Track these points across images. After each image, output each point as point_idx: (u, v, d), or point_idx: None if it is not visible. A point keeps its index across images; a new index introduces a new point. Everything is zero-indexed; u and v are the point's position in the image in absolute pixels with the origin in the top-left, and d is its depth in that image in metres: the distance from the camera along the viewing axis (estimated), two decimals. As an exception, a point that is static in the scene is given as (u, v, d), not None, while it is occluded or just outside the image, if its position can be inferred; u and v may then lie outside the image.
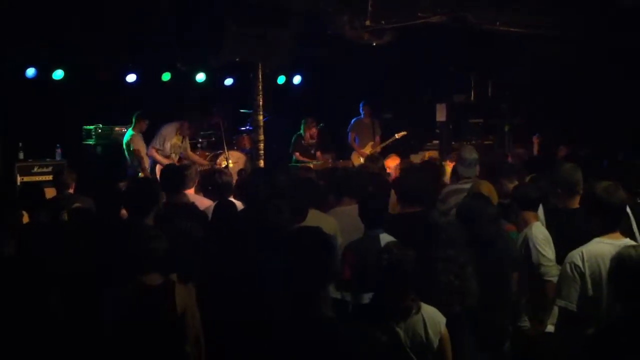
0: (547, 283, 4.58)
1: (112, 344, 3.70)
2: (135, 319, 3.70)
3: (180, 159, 9.53)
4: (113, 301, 3.75)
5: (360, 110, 11.49)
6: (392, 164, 8.37)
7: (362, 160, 10.95)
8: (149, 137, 9.66)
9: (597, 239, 3.91)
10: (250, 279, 4.30)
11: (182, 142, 9.61)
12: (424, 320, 3.62)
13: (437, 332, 3.64)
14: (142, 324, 3.70)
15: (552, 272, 4.58)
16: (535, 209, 4.99)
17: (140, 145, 9.42)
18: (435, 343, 3.63)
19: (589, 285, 3.82)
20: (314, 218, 4.93)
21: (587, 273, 3.83)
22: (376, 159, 7.77)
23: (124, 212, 5.24)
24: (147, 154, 9.43)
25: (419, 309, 3.62)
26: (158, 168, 9.19)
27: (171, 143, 9.44)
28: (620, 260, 3.27)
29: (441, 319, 3.69)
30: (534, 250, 4.72)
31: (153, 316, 3.71)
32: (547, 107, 11.68)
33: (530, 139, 10.94)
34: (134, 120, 9.56)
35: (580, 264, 3.85)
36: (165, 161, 9.09)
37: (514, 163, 7.57)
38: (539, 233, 4.79)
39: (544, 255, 4.68)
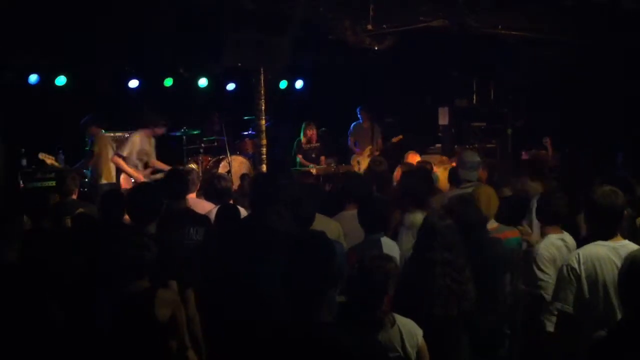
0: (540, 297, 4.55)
1: (103, 350, 3.73)
2: (118, 326, 3.72)
3: (146, 166, 8.36)
4: (101, 308, 3.78)
5: (358, 115, 11.51)
6: (414, 160, 8.28)
7: (359, 163, 10.98)
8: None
9: (596, 242, 3.90)
10: (252, 283, 4.30)
11: (151, 147, 8.41)
12: (400, 333, 3.54)
13: (414, 345, 3.56)
14: (124, 331, 3.71)
15: (547, 289, 4.47)
16: (558, 224, 4.92)
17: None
18: (413, 355, 3.55)
19: (585, 287, 3.82)
20: (318, 222, 4.91)
21: (583, 275, 3.82)
22: (380, 162, 7.72)
23: (127, 218, 5.25)
24: (111, 161, 8.60)
25: (394, 322, 3.55)
26: (123, 177, 8.41)
27: (138, 150, 8.27)
28: (632, 264, 3.15)
29: (418, 331, 3.61)
30: (534, 264, 4.69)
31: (133, 324, 3.71)
32: (549, 110, 11.67)
33: (534, 142, 10.93)
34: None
35: (576, 266, 3.85)
36: (130, 170, 8.12)
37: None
38: (545, 251, 4.72)
39: (543, 271, 4.64)
